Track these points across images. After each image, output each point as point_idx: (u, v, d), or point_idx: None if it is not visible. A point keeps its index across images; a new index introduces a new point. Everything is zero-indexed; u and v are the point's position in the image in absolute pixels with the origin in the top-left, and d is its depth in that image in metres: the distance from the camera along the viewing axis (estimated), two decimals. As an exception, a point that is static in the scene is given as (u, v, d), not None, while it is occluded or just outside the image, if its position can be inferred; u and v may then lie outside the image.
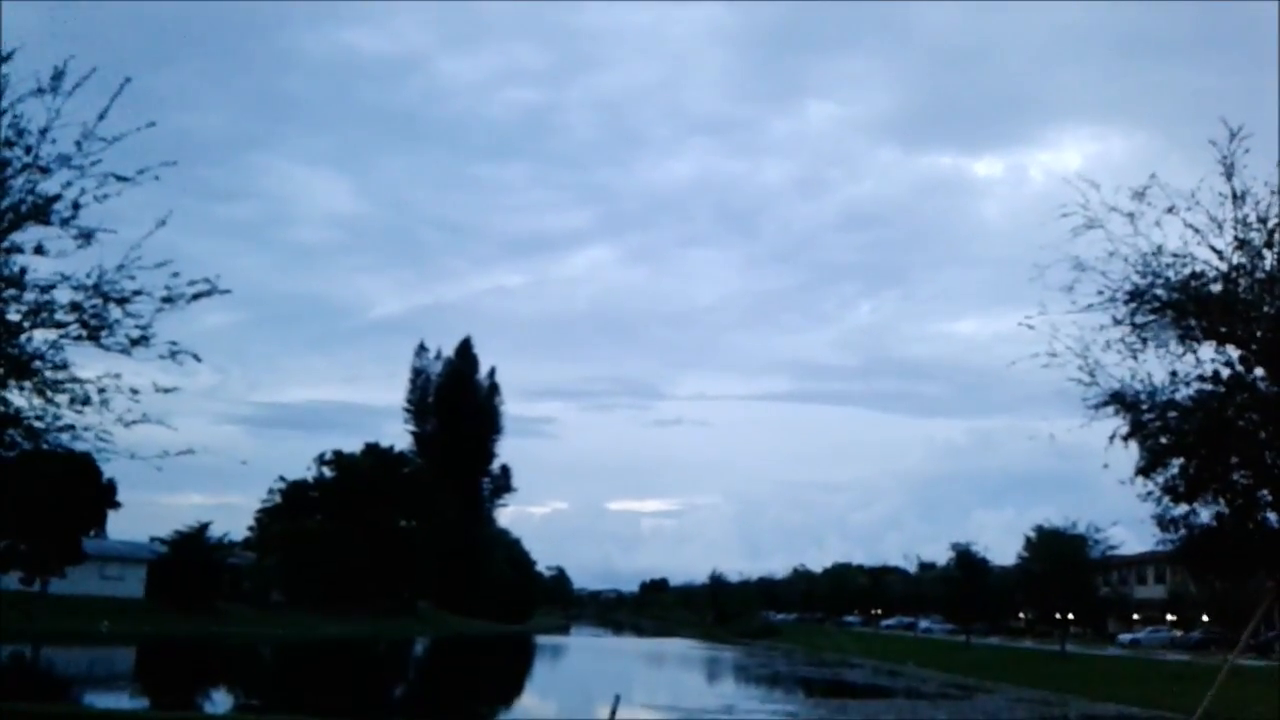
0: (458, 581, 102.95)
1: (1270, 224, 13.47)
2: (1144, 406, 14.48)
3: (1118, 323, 14.27)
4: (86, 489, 58.97)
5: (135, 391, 11.73)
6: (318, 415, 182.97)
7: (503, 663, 67.31)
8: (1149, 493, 14.98)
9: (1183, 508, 15.02)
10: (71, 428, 11.95)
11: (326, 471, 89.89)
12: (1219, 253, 13.66)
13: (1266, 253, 13.51)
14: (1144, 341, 14.24)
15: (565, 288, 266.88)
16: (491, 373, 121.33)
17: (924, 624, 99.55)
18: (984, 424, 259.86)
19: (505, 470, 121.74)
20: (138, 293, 11.41)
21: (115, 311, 11.41)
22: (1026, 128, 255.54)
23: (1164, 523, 15.51)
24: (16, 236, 11.00)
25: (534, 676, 58.40)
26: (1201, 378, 14.11)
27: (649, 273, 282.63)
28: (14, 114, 10.73)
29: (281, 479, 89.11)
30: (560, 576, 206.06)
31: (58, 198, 10.97)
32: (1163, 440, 14.45)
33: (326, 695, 39.17)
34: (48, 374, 11.58)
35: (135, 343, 11.56)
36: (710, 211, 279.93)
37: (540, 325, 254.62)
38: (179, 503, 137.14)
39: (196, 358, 11.95)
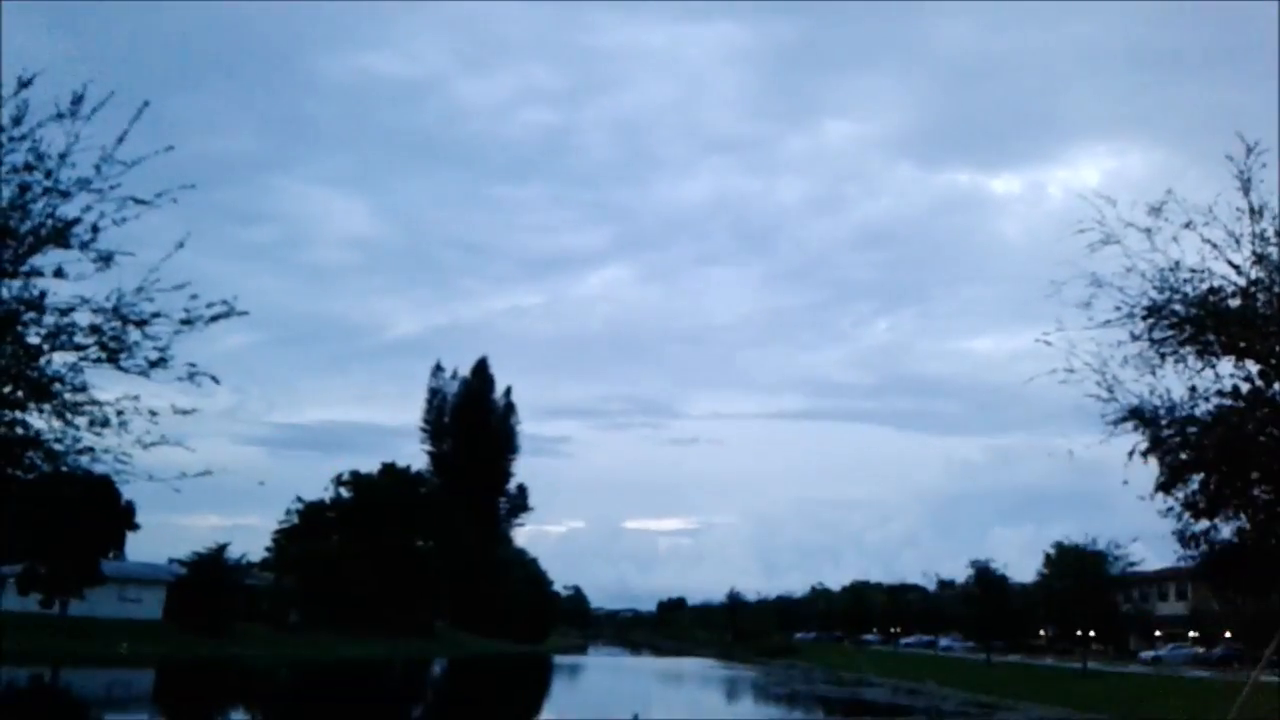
0: (475, 602, 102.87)
1: (1288, 238, 13.40)
2: (1163, 422, 14.38)
3: (1135, 338, 14.20)
4: (105, 511, 59.31)
5: (154, 413, 11.72)
6: (335, 435, 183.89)
7: (521, 683, 67.10)
8: (1169, 509, 14.90)
9: (1203, 523, 14.94)
10: (91, 450, 11.95)
11: (344, 492, 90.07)
12: (1237, 267, 13.58)
13: (1284, 267, 13.43)
14: (1162, 357, 14.15)
15: (581, 307, 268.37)
16: (508, 392, 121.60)
17: (944, 642, 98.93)
18: (1002, 441, 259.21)
19: (522, 489, 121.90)
20: (156, 315, 11.42)
21: (134, 334, 11.42)
22: (1044, 145, 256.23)
23: (1185, 539, 15.43)
24: (36, 260, 11.04)
25: (552, 696, 58.20)
26: (1220, 393, 14.02)
27: (665, 292, 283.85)
28: (34, 139, 10.80)
29: (299, 499, 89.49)
30: (577, 596, 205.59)
31: (77, 221, 11.01)
32: (1182, 456, 14.35)
33: (344, 717, 39.17)
34: (67, 396, 11.59)
35: (154, 365, 11.56)
36: (726, 230, 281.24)
37: (556, 344, 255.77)
38: (197, 524, 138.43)
39: (215, 379, 11.94)
